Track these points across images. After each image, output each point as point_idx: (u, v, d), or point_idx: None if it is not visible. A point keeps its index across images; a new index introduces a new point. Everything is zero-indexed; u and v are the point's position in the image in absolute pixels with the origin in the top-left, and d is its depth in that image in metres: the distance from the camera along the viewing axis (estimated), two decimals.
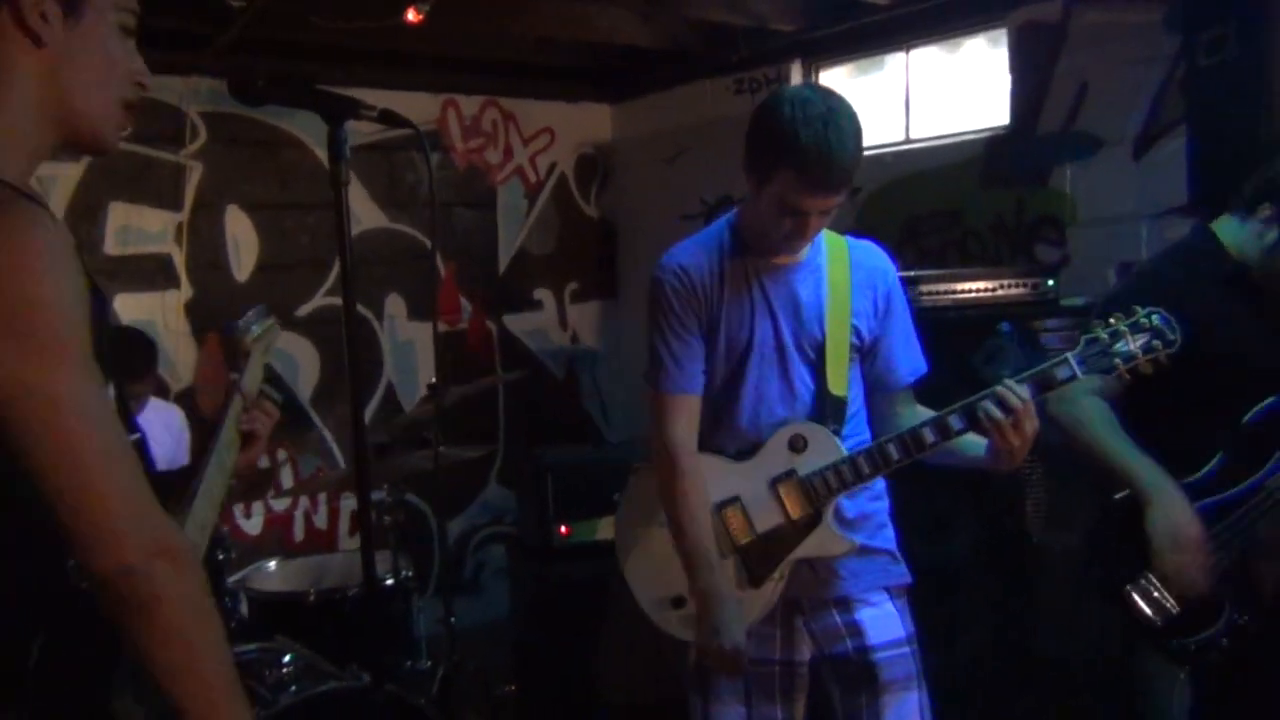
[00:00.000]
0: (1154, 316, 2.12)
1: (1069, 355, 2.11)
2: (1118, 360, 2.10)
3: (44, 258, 1.18)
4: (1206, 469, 2.34)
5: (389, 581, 3.27)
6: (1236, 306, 2.38)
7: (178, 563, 1.21)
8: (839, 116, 2.05)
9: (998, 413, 2.05)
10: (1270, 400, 2.30)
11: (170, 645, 1.19)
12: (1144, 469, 2.33)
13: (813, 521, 2.22)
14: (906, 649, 2.28)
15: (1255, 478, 2.31)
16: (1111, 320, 2.12)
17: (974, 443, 2.16)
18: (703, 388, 2.27)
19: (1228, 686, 2.38)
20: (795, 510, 2.23)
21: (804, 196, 2.07)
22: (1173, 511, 2.27)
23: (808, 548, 2.24)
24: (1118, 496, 2.41)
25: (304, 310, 4.94)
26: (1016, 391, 2.06)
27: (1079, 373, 2.09)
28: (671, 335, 2.26)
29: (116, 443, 1.22)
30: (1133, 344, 2.10)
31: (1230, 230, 2.43)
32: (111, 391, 1.32)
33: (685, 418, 2.26)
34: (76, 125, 1.37)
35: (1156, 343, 2.10)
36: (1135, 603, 2.34)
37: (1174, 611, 2.31)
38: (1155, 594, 2.32)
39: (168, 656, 1.20)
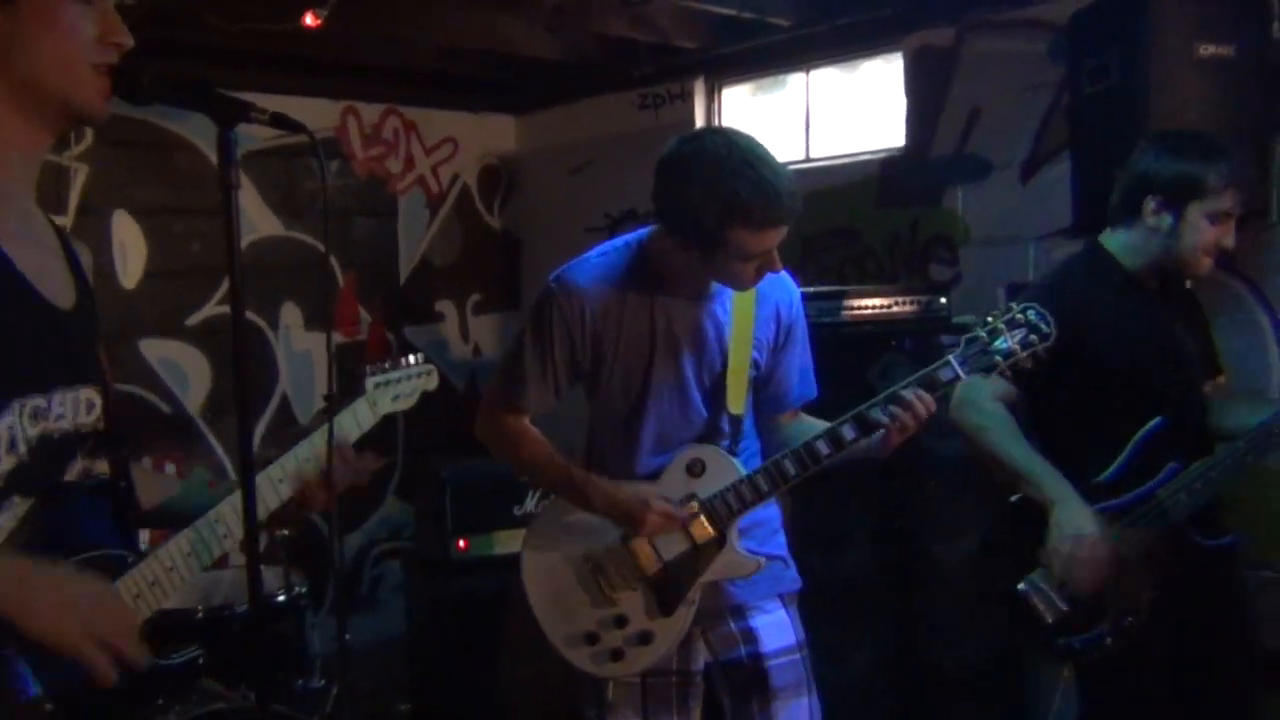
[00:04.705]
0: (1029, 312, 2.16)
1: (951, 357, 2.15)
2: (998, 357, 2.14)
3: None
4: (1112, 469, 2.40)
5: (280, 598, 3.19)
6: (1134, 317, 2.45)
7: None
8: (752, 153, 2.03)
9: (897, 409, 2.09)
10: (1161, 418, 2.37)
11: None
12: (1046, 475, 2.38)
13: (718, 544, 2.23)
14: (797, 655, 2.32)
15: (1146, 486, 2.38)
16: (989, 319, 2.16)
17: None
18: (536, 411, 2.31)
19: (1112, 685, 2.45)
20: (699, 534, 2.23)
21: (763, 239, 2.07)
22: (1076, 515, 2.33)
23: (715, 570, 2.24)
24: (1013, 499, 2.46)
25: (194, 319, 4.77)
26: (910, 393, 2.10)
27: (961, 373, 2.13)
28: (536, 354, 2.25)
29: None
30: (1011, 340, 2.14)
31: (1118, 242, 2.48)
32: None
33: (509, 419, 2.32)
34: (45, 101, 1.37)
35: (1033, 337, 2.15)
36: (1027, 600, 2.39)
37: (1063, 610, 2.37)
38: (1046, 592, 2.38)
39: None
